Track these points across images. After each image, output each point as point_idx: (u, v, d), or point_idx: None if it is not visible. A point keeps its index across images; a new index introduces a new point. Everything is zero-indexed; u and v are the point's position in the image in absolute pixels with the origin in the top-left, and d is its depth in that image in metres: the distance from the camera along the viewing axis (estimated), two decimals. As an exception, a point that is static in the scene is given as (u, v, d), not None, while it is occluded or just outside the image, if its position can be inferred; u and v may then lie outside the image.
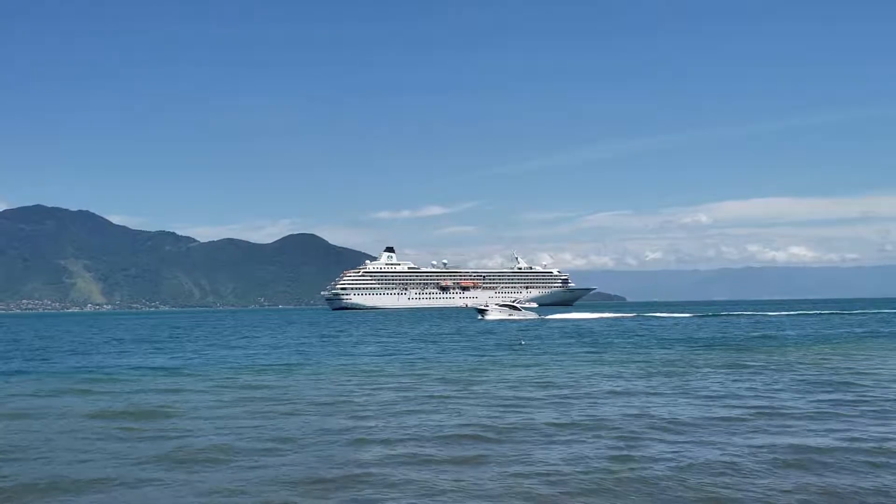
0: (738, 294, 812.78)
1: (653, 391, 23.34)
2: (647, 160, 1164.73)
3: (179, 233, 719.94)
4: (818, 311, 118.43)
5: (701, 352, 39.53)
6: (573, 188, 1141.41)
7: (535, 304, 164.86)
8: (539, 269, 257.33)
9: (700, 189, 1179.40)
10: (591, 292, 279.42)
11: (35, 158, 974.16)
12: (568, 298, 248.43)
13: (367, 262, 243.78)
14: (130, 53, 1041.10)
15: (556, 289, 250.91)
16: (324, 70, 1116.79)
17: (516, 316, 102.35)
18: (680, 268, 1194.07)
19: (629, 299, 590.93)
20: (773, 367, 30.65)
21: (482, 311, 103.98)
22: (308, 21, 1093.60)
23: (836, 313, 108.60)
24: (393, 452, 14.84)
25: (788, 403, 20.34)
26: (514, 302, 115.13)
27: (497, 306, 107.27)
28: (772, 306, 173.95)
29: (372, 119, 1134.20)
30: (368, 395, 23.76)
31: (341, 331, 75.23)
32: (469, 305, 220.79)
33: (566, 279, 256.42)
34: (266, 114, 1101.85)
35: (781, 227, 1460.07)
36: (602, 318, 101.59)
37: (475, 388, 24.96)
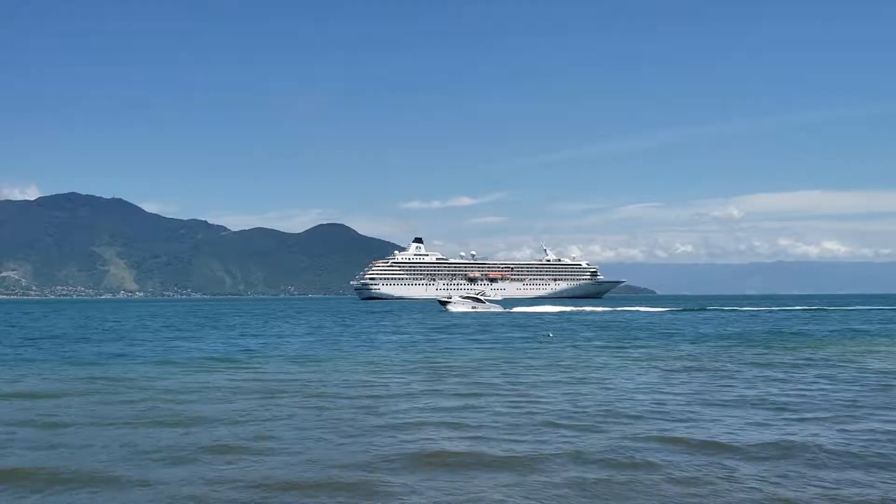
0: (770, 289, 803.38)
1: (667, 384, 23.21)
2: (679, 152, 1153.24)
3: (211, 221, 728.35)
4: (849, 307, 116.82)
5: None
6: (603, 180, 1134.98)
7: (499, 298, 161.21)
8: (568, 261, 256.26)
9: (732, 181, 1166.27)
10: (620, 285, 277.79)
11: (69, 147, 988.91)
12: (596, 291, 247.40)
13: (396, 252, 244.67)
14: (164, 41, 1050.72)
15: (584, 281, 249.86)
16: (355, 60, 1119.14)
17: (480, 308, 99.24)
18: (711, 261, 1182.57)
19: (659, 292, 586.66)
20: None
21: (445, 303, 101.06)
22: (335, 13, 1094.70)
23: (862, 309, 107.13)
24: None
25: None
26: (478, 294, 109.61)
27: (461, 298, 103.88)
28: (795, 301, 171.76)
29: (403, 110, 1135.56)
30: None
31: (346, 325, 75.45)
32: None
33: (595, 271, 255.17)
34: (298, 104, 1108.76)
35: (814, 221, 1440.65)
36: (563, 311, 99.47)
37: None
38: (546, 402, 20.20)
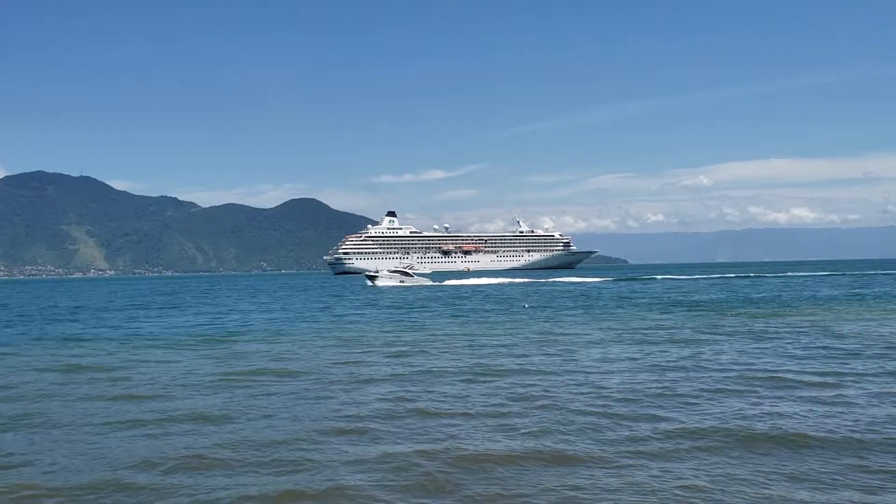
0: (740, 256, 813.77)
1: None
2: (650, 122, 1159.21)
3: (181, 198, 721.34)
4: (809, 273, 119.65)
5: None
6: (575, 151, 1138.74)
7: (428, 270, 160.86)
8: (540, 232, 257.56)
9: (702, 151, 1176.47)
10: (593, 255, 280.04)
11: (35, 125, 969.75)
12: (569, 262, 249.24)
13: (369, 226, 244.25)
14: (132, 14, 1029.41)
15: (557, 252, 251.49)
16: (324, 33, 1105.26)
17: (408, 282, 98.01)
18: (682, 230, 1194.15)
19: (631, 262, 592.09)
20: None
21: (372, 278, 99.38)
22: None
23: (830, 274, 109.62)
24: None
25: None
26: (407, 268, 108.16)
27: (388, 272, 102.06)
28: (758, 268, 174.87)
29: (373, 83, 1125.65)
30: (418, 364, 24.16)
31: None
32: (469, 269, 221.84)
33: (568, 242, 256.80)
34: (267, 78, 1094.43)
35: (783, 189, 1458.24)
36: (500, 283, 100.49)
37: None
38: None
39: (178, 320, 44.87)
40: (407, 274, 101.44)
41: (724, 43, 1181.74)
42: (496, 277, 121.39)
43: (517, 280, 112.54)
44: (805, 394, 16.67)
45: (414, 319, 41.05)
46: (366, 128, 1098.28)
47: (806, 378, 18.64)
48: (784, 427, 13.51)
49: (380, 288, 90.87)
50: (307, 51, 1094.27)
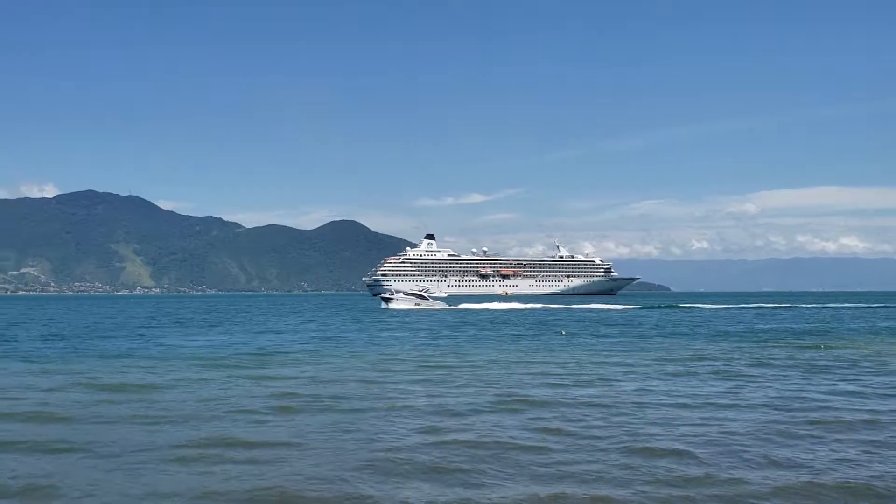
0: (787, 285, 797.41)
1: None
2: (694, 147, 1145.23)
3: (226, 218, 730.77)
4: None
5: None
6: (616, 176, 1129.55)
7: (444, 294, 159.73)
8: (581, 257, 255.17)
9: (747, 178, 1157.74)
10: (635, 282, 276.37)
11: (86, 145, 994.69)
12: (610, 288, 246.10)
13: (408, 248, 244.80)
14: (177, 39, 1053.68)
15: (598, 278, 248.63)
16: (367, 56, 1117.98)
17: (423, 305, 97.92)
18: (727, 258, 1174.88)
19: (674, 289, 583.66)
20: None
21: (387, 300, 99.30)
22: (347, 5, 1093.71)
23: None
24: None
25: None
26: (423, 292, 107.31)
27: (403, 295, 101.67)
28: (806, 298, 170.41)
29: (414, 106, 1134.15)
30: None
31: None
32: (508, 293, 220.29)
33: (609, 268, 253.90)
34: (309, 101, 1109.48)
35: (832, 217, 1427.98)
36: (514, 308, 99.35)
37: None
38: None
39: (217, 339, 44.57)
40: (422, 297, 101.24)
41: (771, 68, 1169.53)
42: (528, 303, 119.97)
43: (537, 306, 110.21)
44: (865, 436, 15.36)
45: (453, 343, 40.15)
46: (407, 151, 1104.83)
47: (861, 416, 17.34)
48: (854, 476, 12.29)
49: (394, 310, 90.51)
50: (347, 72, 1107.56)
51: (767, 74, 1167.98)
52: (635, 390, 21.95)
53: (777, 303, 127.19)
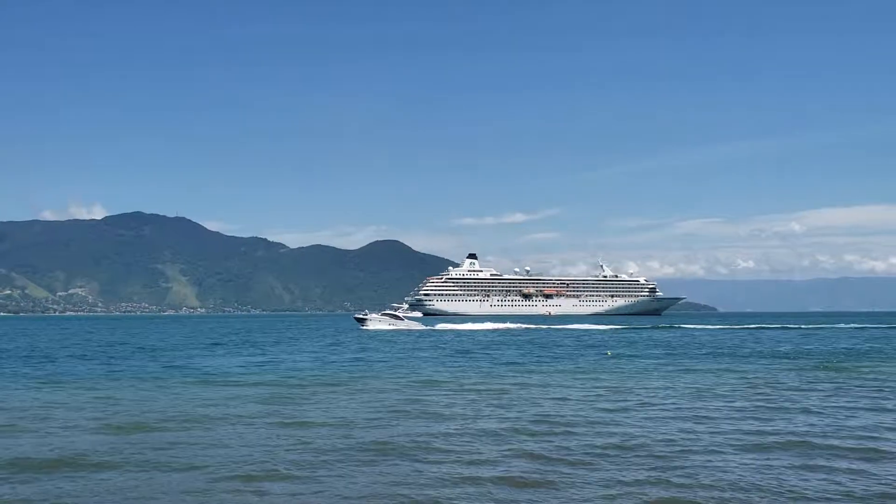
0: (835, 305, 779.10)
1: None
2: (738, 166, 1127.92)
3: (271, 239, 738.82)
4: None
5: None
6: (660, 194, 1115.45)
7: (419, 314, 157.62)
8: (625, 277, 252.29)
9: (793, 196, 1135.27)
10: (680, 302, 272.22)
11: (134, 167, 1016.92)
12: (655, 308, 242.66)
13: (450, 268, 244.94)
14: (218, 62, 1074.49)
15: (642, 298, 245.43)
16: (406, 76, 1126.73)
17: (399, 325, 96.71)
18: (774, 277, 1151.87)
19: (720, 309, 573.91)
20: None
21: (362, 321, 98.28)
22: (392, 21, 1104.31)
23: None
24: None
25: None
26: (396, 311, 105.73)
27: (378, 316, 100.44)
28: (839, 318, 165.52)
29: (456, 126, 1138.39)
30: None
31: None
32: (551, 313, 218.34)
33: (653, 288, 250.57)
34: (352, 122, 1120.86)
35: (881, 236, 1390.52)
36: (497, 328, 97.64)
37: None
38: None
39: (248, 359, 44.49)
40: (396, 317, 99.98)
41: (817, 86, 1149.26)
42: (571, 323, 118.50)
43: (522, 326, 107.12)
44: None
45: (489, 363, 39.44)
46: (448, 171, 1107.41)
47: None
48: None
49: (369, 331, 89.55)
50: (390, 92, 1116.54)
51: (812, 91, 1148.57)
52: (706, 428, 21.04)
53: (824, 323, 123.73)
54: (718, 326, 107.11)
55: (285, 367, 38.69)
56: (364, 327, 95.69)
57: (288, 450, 16.33)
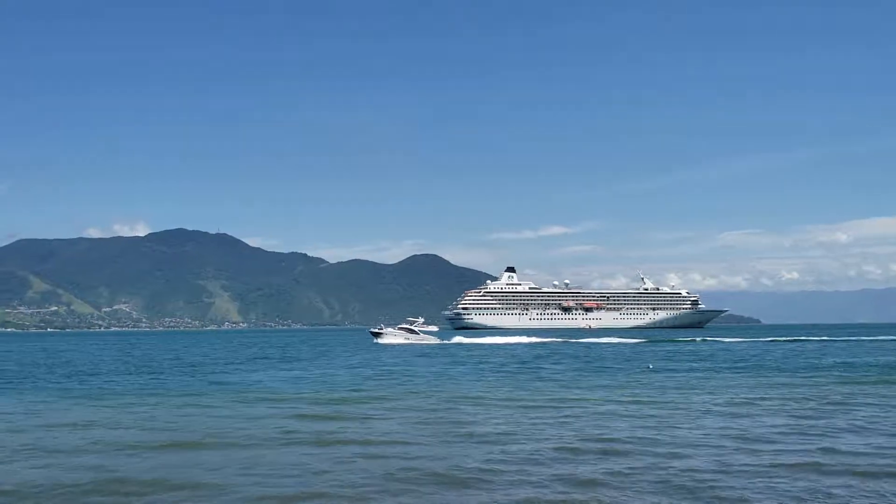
0: (883, 316, 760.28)
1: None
2: (781, 176, 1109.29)
3: (310, 254, 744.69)
4: None
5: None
6: (701, 206, 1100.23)
7: (435, 328, 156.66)
8: (666, 289, 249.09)
9: (837, 206, 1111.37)
10: (723, 314, 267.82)
11: (176, 184, 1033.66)
12: (697, 321, 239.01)
13: (488, 282, 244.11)
14: (258, 77, 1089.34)
15: (685, 310, 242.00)
16: (442, 88, 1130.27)
17: (413, 339, 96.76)
18: (819, 289, 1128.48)
19: (764, 321, 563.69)
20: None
21: (378, 334, 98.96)
22: (428, 36, 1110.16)
23: None
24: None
25: None
26: (413, 325, 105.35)
27: (393, 330, 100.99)
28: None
29: (494, 139, 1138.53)
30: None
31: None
32: (591, 327, 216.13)
33: (696, 300, 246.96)
34: (390, 137, 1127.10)
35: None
36: (509, 343, 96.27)
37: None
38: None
39: (288, 374, 44.43)
40: (412, 331, 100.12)
41: (861, 93, 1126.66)
42: (610, 336, 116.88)
43: (543, 339, 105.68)
44: None
45: (560, 378, 38.82)
46: (486, 184, 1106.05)
47: None
48: None
49: (384, 346, 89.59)
50: (427, 106, 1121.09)
51: (856, 99, 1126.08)
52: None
53: (871, 335, 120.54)
54: (761, 339, 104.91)
55: (324, 383, 38.55)
56: (379, 341, 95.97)
57: (329, 471, 16.03)
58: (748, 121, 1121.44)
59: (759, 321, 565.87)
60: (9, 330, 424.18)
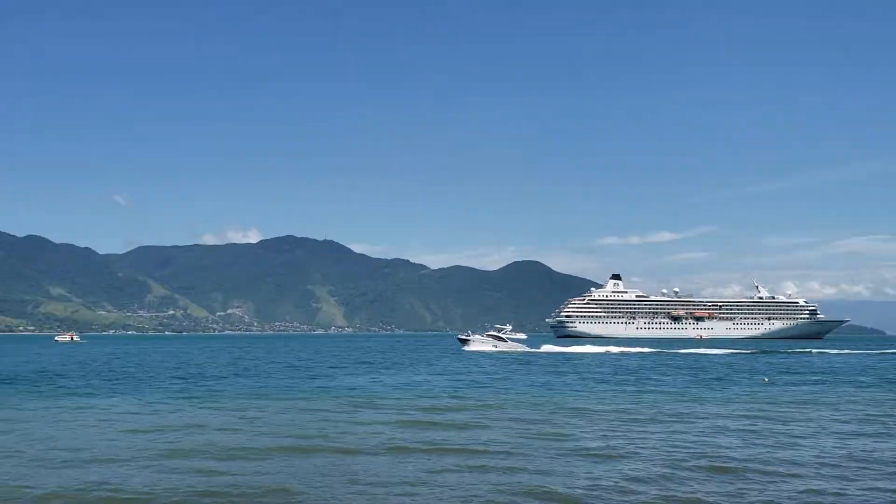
0: None
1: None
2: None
3: (413, 260, 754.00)
4: None
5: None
6: (820, 210, 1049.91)
7: (523, 335, 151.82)
8: (782, 298, 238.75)
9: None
10: (844, 324, 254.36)
11: (286, 193, 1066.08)
12: (816, 331, 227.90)
13: (593, 289, 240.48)
14: (369, 85, 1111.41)
15: (802, 320, 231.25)
16: (542, 92, 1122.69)
17: (502, 347, 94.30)
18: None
19: (888, 333, 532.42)
20: None
21: (464, 341, 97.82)
22: (533, 37, 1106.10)
23: None
24: None
25: None
26: (501, 332, 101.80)
27: (481, 337, 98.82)
28: None
29: (599, 143, 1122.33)
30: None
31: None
32: (702, 337, 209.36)
33: (814, 310, 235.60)
34: (492, 142, 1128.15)
35: None
36: (609, 352, 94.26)
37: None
38: None
39: (392, 379, 44.76)
40: (500, 339, 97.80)
41: None
42: (723, 347, 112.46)
43: (641, 349, 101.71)
44: None
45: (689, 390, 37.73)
46: (590, 188, 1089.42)
47: None
48: None
49: (471, 353, 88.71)
50: (529, 108, 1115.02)
51: None
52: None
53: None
54: (887, 351, 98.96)
55: (425, 388, 38.65)
56: (466, 348, 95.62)
57: (434, 483, 15.87)
58: (872, 121, 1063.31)
59: (883, 333, 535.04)
60: (129, 332, 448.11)
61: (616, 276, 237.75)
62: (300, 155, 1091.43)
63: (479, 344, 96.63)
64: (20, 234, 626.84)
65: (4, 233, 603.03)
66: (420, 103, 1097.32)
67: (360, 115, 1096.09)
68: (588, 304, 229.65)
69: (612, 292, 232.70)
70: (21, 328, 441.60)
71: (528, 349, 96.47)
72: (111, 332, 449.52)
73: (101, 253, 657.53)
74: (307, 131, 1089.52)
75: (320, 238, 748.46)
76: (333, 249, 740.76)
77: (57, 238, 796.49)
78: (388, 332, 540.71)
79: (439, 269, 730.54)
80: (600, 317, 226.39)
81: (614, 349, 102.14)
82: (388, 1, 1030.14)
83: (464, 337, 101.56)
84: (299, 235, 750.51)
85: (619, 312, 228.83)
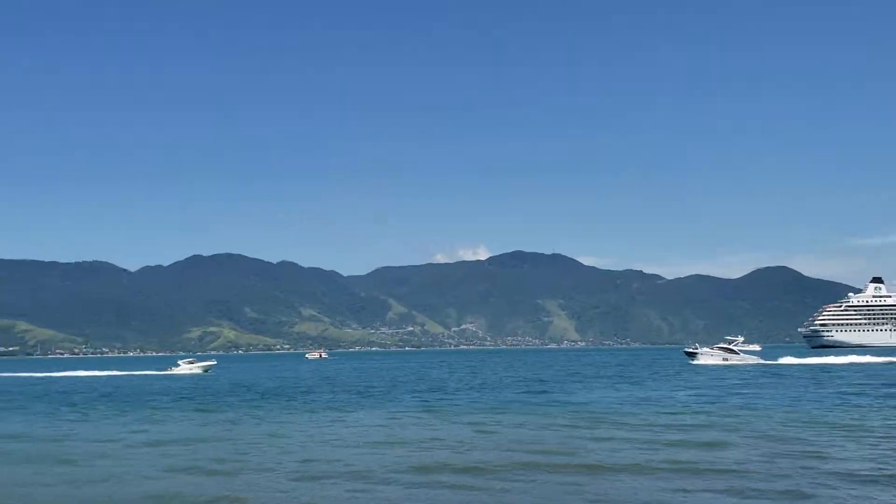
0: None
1: None
2: None
3: (646, 271, 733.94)
4: None
5: None
6: None
7: (757, 347, 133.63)
8: None
9: None
10: None
11: (512, 208, 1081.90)
12: None
13: (850, 294, 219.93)
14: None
15: None
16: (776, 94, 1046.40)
17: (733, 360, 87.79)
18: None
19: None
20: None
21: (692, 354, 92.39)
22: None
23: None
24: None
25: None
26: (733, 344, 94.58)
27: (710, 350, 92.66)
28: None
29: (854, 130, 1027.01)
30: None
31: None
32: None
33: None
34: (736, 143, 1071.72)
35: None
36: (855, 362, 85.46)
37: None
38: None
39: (629, 394, 43.23)
40: (731, 351, 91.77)
41: None
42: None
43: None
44: None
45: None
46: (841, 180, 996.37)
47: None
48: None
49: (699, 367, 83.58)
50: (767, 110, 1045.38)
51: None
52: None
53: None
54: None
55: (668, 404, 36.84)
56: (694, 362, 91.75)
57: None
58: None
59: None
60: (373, 349, 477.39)
61: (877, 280, 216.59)
62: (522, 171, 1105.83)
63: (708, 357, 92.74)
64: (274, 260, 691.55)
65: (260, 260, 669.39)
66: (648, 115, 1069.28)
67: (590, 127, 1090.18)
68: (846, 311, 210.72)
69: (874, 297, 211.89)
70: (278, 347, 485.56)
71: (761, 361, 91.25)
72: (357, 348, 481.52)
73: (345, 275, 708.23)
74: (536, 150, 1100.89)
75: (547, 252, 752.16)
76: (561, 263, 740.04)
77: (305, 263, 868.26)
78: (623, 346, 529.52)
79: (675, 278, 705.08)
80: (860, 324, 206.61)
81: (861, 359, 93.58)
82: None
83: (691, 350, 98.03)
84: (527, 250, 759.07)
85: (882, 319, 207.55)
